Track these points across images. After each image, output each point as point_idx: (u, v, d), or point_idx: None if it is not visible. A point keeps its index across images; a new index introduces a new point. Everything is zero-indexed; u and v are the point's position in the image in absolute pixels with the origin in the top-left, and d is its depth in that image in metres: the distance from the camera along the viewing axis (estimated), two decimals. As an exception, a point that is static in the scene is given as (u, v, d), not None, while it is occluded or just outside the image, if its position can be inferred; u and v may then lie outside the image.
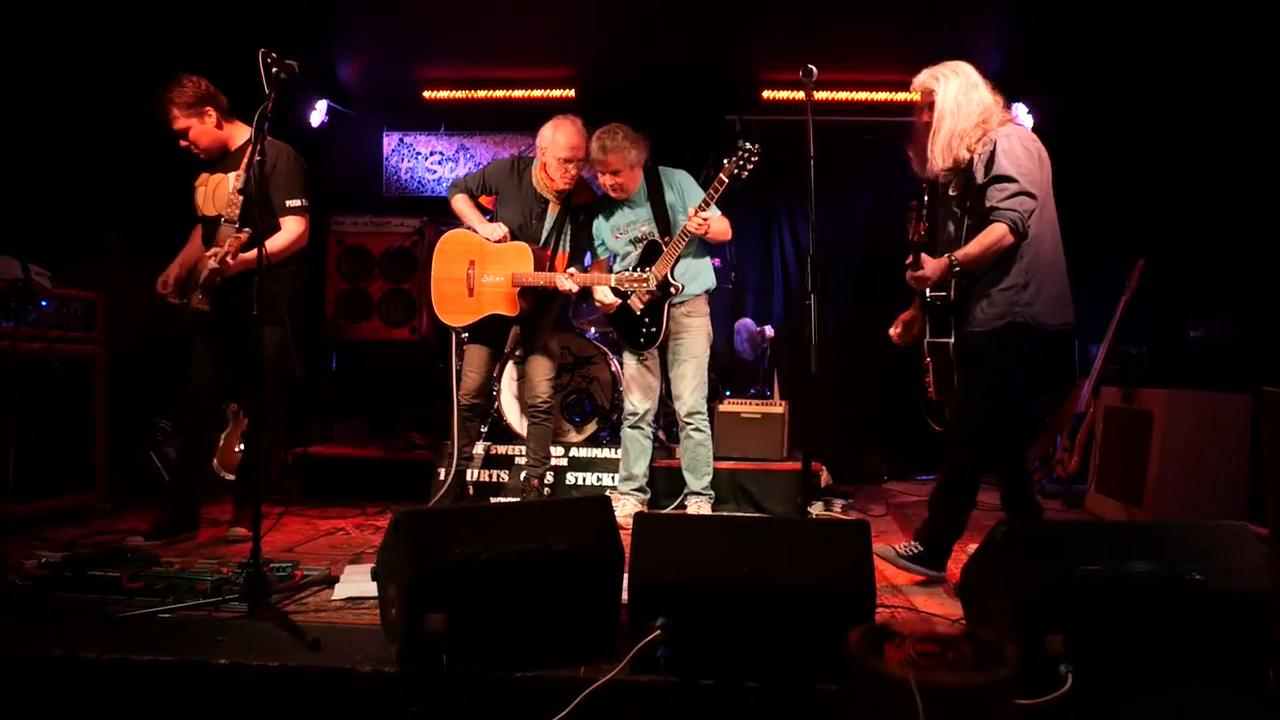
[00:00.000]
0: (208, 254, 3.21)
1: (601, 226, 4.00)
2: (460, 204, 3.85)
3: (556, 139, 3.65)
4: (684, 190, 3.88)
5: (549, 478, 4.08)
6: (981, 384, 2.86)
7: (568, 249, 3.86)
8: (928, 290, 2.90)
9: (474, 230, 3.79)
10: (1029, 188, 2.71)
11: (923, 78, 2.88)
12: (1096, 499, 4.34)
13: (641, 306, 3.84)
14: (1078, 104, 5.43)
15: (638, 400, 4.00)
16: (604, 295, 3.83)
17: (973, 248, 2.72)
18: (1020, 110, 5.80)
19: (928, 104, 2.84)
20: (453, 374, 3.93)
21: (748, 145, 3.46)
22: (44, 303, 3.57)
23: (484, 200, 3.92)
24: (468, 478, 4.17)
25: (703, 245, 3.91)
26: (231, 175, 3.30)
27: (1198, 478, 3.72)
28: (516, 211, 3.80)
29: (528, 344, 3.93)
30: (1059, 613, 1.90)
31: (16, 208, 3.84)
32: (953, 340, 2.91)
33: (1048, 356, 2.96)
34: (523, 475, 4.05)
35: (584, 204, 3.89)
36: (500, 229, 3.73)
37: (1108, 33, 4.85)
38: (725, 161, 3.52)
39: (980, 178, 2.76)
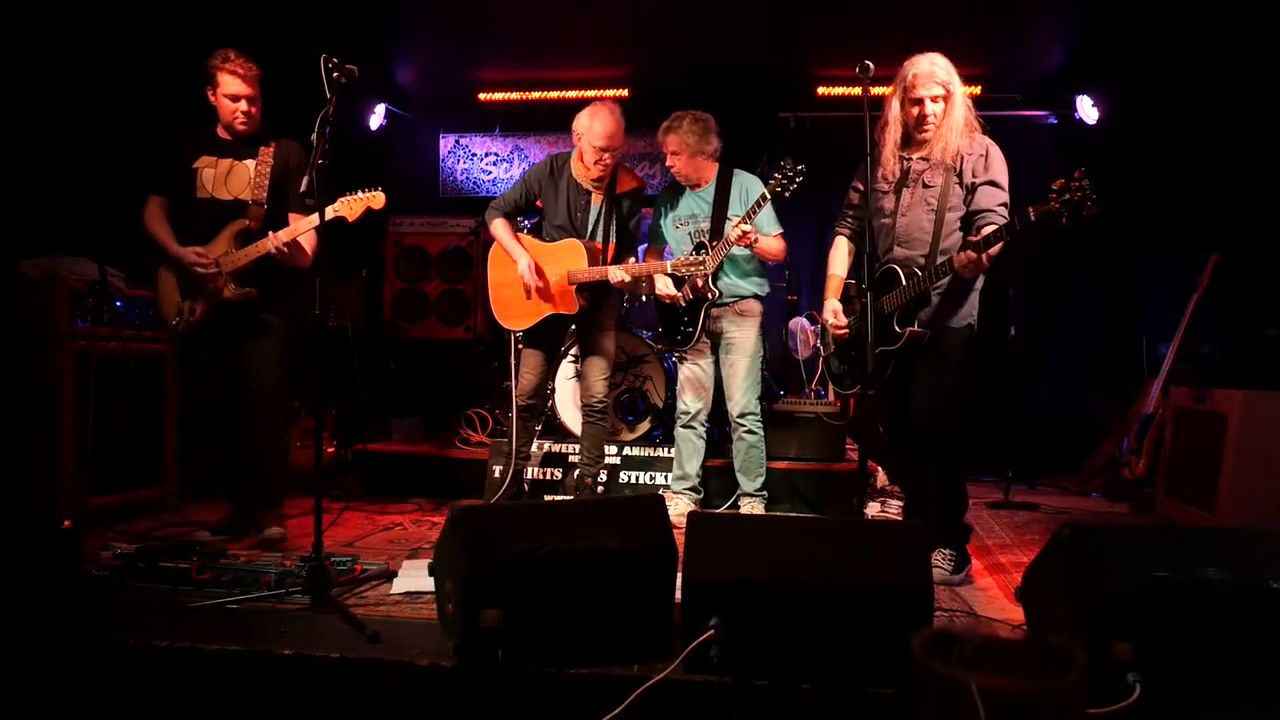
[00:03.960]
0: (275, 235, 3.21)
1: (664, 213, 4.02)
2: (498, 229, 3.81)
3: (594, 127, 3.62)
4: (750, 198, 3.83)
5: (602, 476, 4.10)
6: (949, 378, 2.93)
7: (615, 239, 3.82)
8: (934, 278, 2.87)
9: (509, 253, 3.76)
10: (1008, 199, 2.88)
11: (933, 70, 2.88)
12: (1165, 503, 4.19)
13: (684, 305, 3.85)
14: (1146, 96, 5.26)
15: (690, 400, 4.00)
16: (664, 286, 3.83)
17: (996, 249, 2.74)
18: (1085, 103, 5.66)
19: (939, 95, 2.88)
20: (513, 375, 3.95)
21: (791, 164, 3.40)
22: (119, 303, 3.70)
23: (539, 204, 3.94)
24: (524, 476, 4.20)
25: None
26: (250, 163, 3.30)
27: (1275, 482, 3.56)
28: (561, 208, 3.79)
29: (585, 343, 3.94)
30: (1127, 619, 1.84)
31: (92, 210, 3.98)
32: (927, 335, 2.92)
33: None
34: (576, 474, 4.07)
35: (628, 191, 3.83)
36: (524, 259, 3.69)
37: (1178, 24, 4.69)
38: (769, 180, 3.50)
39: (970, 178, 2.88)
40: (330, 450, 4.80)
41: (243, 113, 3.26)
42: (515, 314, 3.83)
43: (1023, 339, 5.55)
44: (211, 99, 3.28)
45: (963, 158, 2.90)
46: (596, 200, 3.78)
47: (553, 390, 4.50)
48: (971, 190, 2.90)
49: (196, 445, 3.98)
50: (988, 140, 2.94)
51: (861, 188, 3.13)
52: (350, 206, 3.25)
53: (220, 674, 2.09)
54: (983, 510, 4.38)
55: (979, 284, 2.97)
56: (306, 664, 2.08)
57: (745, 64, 5.70)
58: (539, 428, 4.23)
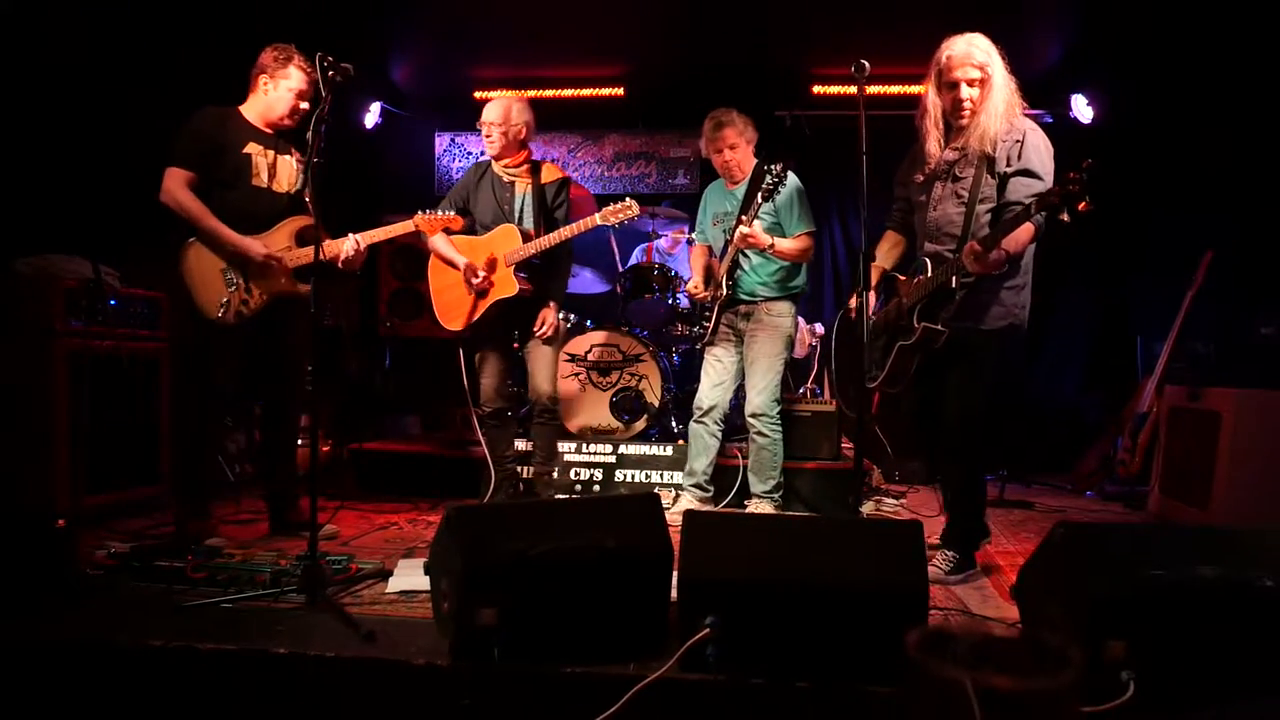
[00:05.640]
0: (356, 237, 3.26)
1: (705, 211, 4.05)
2: (434, 243, 3.77)
3: (484, 113, 3.72)
4: (785, 200, 3.77)
5: (556, 474, 4.03)
6: (982, 382, 2.87)
7: (545, 225, 3.75)
8: (961, 275, 2.77)
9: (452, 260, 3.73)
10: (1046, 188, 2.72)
11: (971, 51, 2.77)
12: (1160, 501, 4.21)
13: (709, 301, 3.92)
14: (1141, 93, 5.28)
15: (705, 395, 3.96)
16: (693, 286, 3.99)
17: (1018, 244, 2.68)
18: (1080, 102, 5.67)
19: (977, 79, 2.76)
20: (467, 383, 3.87)
21: (774, 168, 3.49)
22: (113, 302, 3.69)
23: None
24: (519, 475, 4.18)
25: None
26: (291, 159, 3.31)
27: (1269, 480, 3.58)
28: (488, 205, 3.76)
29: (530, 334, 3.79)
30: (1121, 618, 1.85)
31: (86, 207, 3.97)
32: (945, 333, 2.84)
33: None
34: (532, 472, 3.96)
35: (553, 181, 3.79)
36: (463, 260, 3.67)
37: (1173, 23, 4.70)
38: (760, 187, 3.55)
39: (1003, 166, 2.73)
40: (326, 449, 4.80)
41: (303, 109, 3.27)
42: (459, 314, 3.75)
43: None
44: (266, 88, 3.25)
45: (998, 145, 2.75)
46: (521, 189, 3.77)
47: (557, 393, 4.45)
48: (1004, 180, 2.75)
49: (210, 443, 3.94)
50: (1027, 125, 2.77)
51: (905, 182, 3.09)
52: (430, 223, 3.44)
53: (216, 673, 2.08)
54: (978, 508, 4.38)
55: (1017, 281, 2.81)
56: (302, 663, 2.07)
57: (741, 63, 5.71)
58: (520, 428, 4.19)
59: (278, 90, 3.25)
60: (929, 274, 2.86)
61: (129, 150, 4.13)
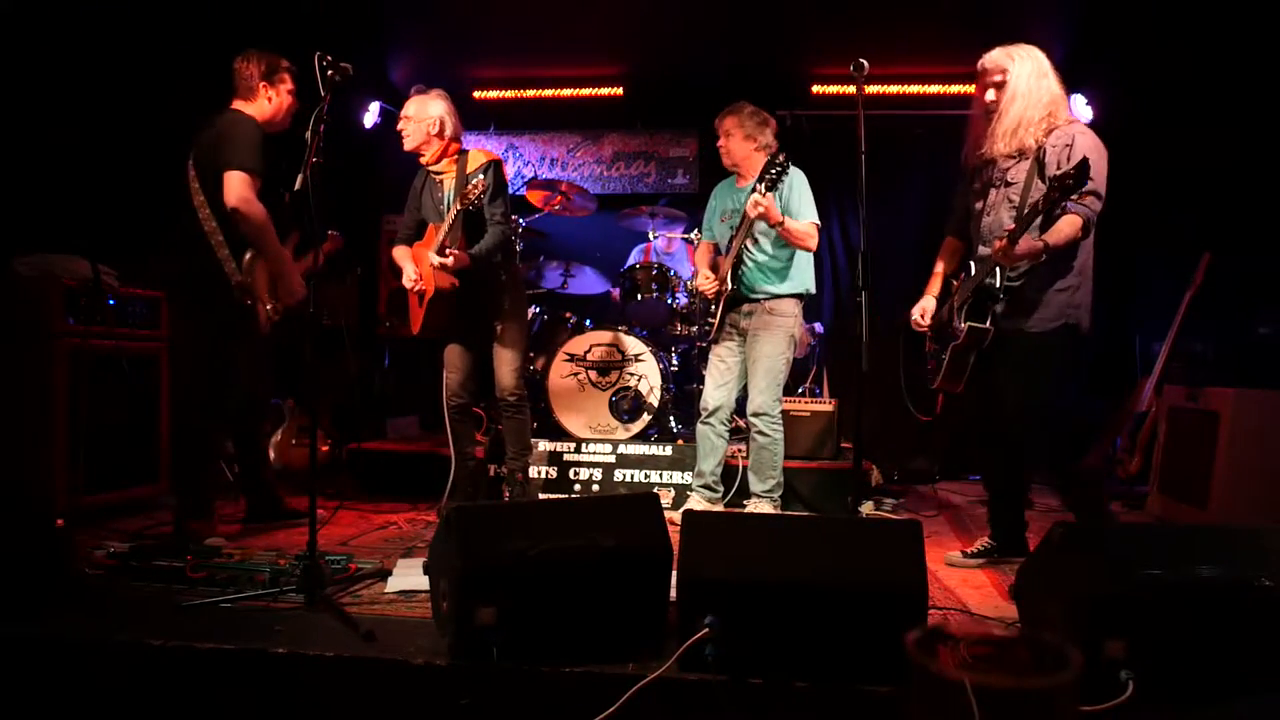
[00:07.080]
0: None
1: (712, 208, 4.06)
2: (396, 254, 3.80)
3: (407, 108, 3.73)
4: (784, 188, 3.74)
5: (531, 471, 3.99)
6: (1037, 383, 2.85)
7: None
8: (1005, 272, 2.79)
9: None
10: (1100, 189, 2.71)
11: (996, 55, 2.84)
12: (1159, 500, 4.21)
13: (712, 297, 3.93)
14: (1141, 95, 5.28)
15: (710, 395, 3.95)
16: (703, 281, 3.96)
17: (1058, 237, 2.67)
18: (1079, 102, 5.67)
19: (997, 83, 2.81)
20: (444, 376, 3.86)
21: (779, 156, 3.52)
22: (111, 302, 3.69)
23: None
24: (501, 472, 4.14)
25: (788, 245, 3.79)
26: None
27: (1267, 480, 3.58)
28: (431, 207, 3.75)
29: (487, 332, 3.75)
30: (1120, 617, 1.85)
31: (86, 207, 3.97)
32: (990, 332, 2.85)
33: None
34: (505, 470, 3.92)
35: (476, 170, 3.66)
36: (407, 269, 3.68)
37: (1172, 24, 4.71)
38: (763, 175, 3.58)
39: (1054, 169, 2.73)
40: (325, 449, 4.79)
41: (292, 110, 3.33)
42: (414, 319, 3.77)
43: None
44: (269, 95, 3.27)
45: (1045, 149, 2.78)
46: (448, 186, 3.73)
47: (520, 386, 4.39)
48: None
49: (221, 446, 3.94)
50: (1076, 129, 2.79)
51: (964, 190, 3.10)
52: (333, 239, 3.71)
53: (215, 673, 2.08)
54: (977, 508, 4.39)
55: (1070, 282, 2.81)
56: (301, 663, 2.07)
57: (740, 62, 5.71)
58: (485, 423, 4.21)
59: (280, 96, 3.28)
60: (972, 274, 2.90)
61: (129, 150, 4.13)
